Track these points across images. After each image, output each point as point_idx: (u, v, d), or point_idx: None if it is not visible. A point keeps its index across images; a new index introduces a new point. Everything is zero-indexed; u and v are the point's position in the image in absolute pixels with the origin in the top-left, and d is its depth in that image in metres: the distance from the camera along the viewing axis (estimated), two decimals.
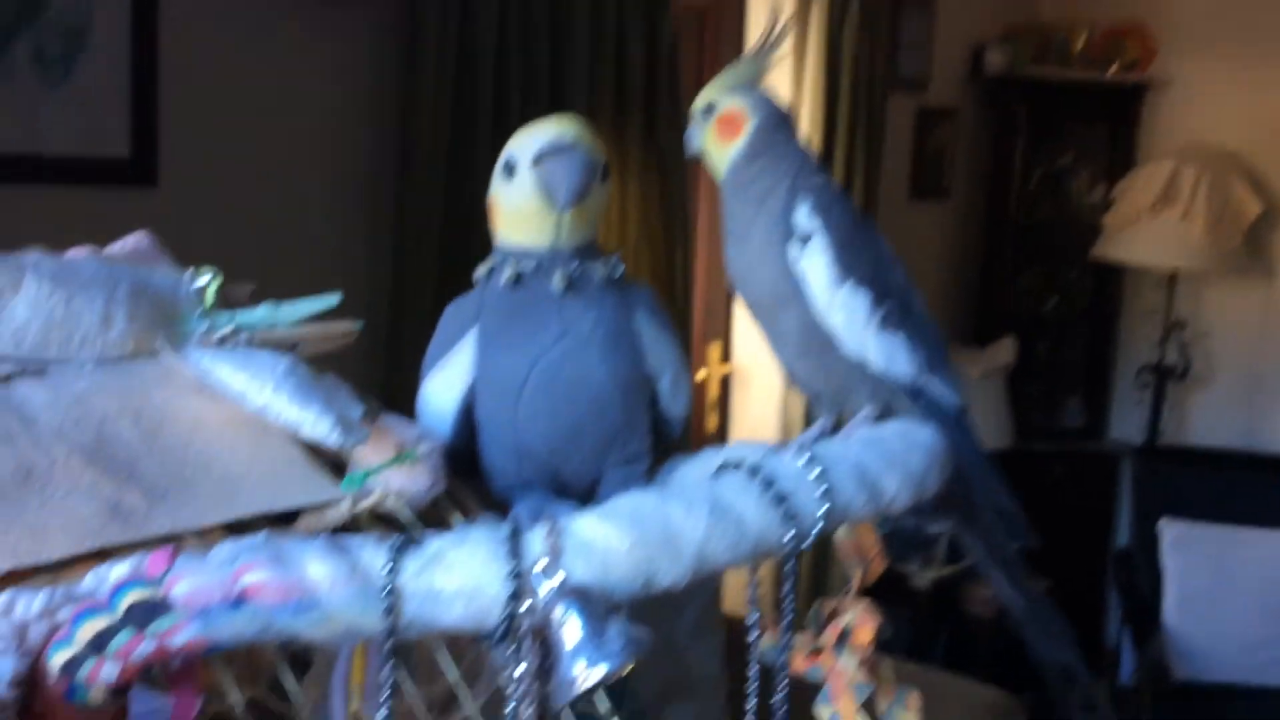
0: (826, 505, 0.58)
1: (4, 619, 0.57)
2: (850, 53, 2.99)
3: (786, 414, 2.91)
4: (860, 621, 0.74)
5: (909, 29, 3.38)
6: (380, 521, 0.77)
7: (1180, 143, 3.59)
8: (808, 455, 0.60)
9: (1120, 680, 3.67)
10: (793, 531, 0.57)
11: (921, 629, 3.29)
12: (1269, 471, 3.47)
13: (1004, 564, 0.85)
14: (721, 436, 3.05)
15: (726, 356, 3.14)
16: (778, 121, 0.86)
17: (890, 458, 0.63)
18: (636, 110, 2.39)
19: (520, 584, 0.52)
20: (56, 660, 0.55)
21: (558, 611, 0.51)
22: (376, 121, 2.13)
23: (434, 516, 0.81)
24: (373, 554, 0.53)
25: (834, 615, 0.77)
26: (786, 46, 0.89)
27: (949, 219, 3.76)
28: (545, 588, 0.52)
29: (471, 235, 2.09)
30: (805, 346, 0.81)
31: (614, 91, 2.33)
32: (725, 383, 3.15)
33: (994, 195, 3.78)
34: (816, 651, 0.79)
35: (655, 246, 2.55)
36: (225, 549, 0.54)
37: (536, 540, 0.53)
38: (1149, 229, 3.46)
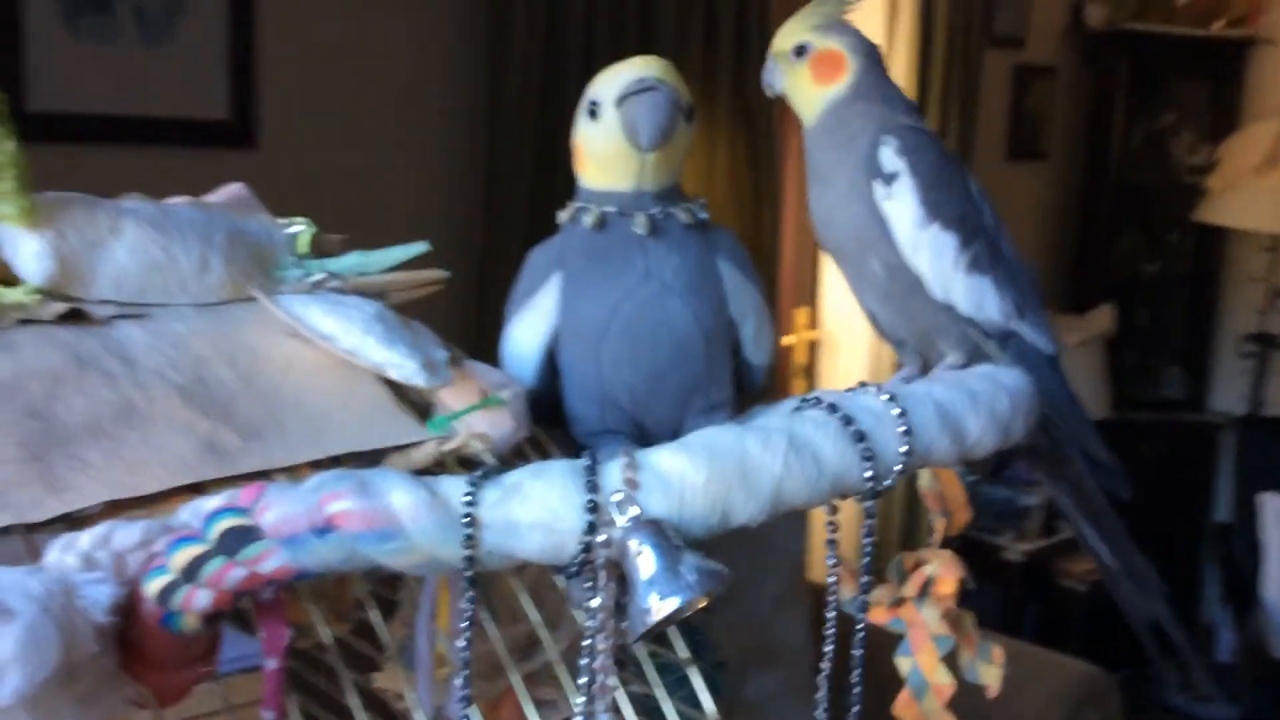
0: (907, 445, 0.58)
1: (103, 548, 0.59)
2: (945, 8, 2.93)
3: (876, 377, 2.88)
4: (943, 573, 0.74)
5: None
6: (464, 466, 0.79)
7: None
8: (888, 395, 0.59)
9: (1218, 657, 3.58)
10: (871, 471, 0.56)
11: (1013, 602, 3.24)
12: None
13: (1094, 516, 0.83)
14: None
15: (814, 322, 3.12)
16: (876, 61, 0.84)
17: (975, 400, 0.62)
18: (726, 62, 2.37)
19: (596, 516, 0.52)
20: (152, 588, 0.57)
21: (633, 544, 0.51)
22: (467, 72, 2.16)
23: (517, 463, 0.81)
24: (453, 485, 0.54)
25: (916, 567, 0.77)
26: None
27: (1046, 181, 3.68)
28: (620, 520, 0.52)
29: (560, 180, 2.10)
30: (889, 291, 0.80)
31: (703, 39, 2.31)
32: (813, 349, 3.13)
33: (1093, 156, 3.69)
34: (898, 603, 0.78)
35: (742, 207, 2.54)
36: (313, 480, 0.55)
37: (614, 473, 0.54)
38: (1253, 191, 3.35)
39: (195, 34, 1.85)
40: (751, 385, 0.92)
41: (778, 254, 2.76)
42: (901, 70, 2.89)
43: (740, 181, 2.52)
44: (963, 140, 3.06)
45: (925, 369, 0.83)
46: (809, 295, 3.10)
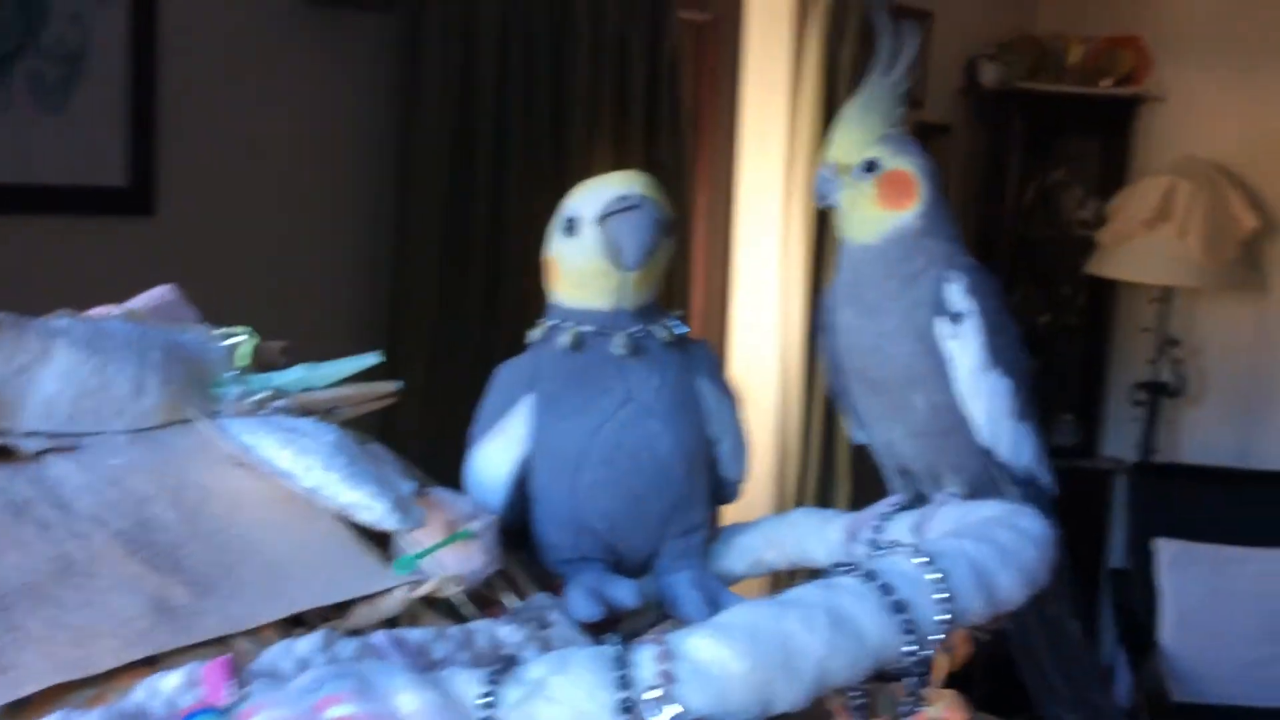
0: (947, 612, 0.54)
1: None
2: (847, 67, 2.96)
3: (784, 426, 2.87)
4: (947, 715, 0.70)
5: None
6: (433, 608, 0.73)
7: (1175, 157, 3.57)
8: (925, 558, 0.55)
9: (1116, 701, 3.65)
10: (914, 644, 0.52)
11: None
12: (1264, 489, 3.45)
13: (1067, 653, 0.81)
14: None
15: None
16: (940, 185, 0.78)
17: (1004, 554, 0.59)
18: (638, 122, 2.36)
19: (631, 717, 0.47)
20: None
21: None
22: (374, 141, 2.09)
23: (486, 596, 0.76)
24: (467, 683, 0.48)
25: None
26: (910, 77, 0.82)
27: None
28: None
29: (471, 254, 2.05)
30: (927, 427, 0.76)
31: (614, 104, 2.30)
32: None
33: (987, 211, 3.76)
34: None
35: None
36: (308, 677, 0.49)
37: (646, 665, 0.49)
38: (1144, 245, 3.44)
39: (93, 101, 1.75)
40: (726, 500, 0.88)
41: (687, 298, 2.74)
42: (807, 132, 2.90)
43: None
44: None
45: (916, 497, 0.80)
46: (716, 339, 3.08)
